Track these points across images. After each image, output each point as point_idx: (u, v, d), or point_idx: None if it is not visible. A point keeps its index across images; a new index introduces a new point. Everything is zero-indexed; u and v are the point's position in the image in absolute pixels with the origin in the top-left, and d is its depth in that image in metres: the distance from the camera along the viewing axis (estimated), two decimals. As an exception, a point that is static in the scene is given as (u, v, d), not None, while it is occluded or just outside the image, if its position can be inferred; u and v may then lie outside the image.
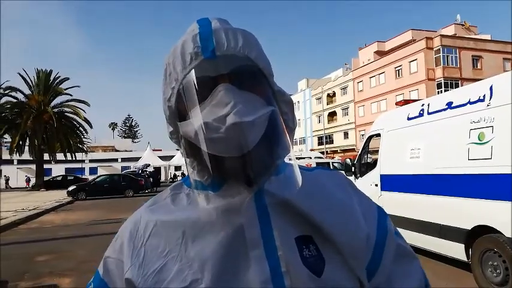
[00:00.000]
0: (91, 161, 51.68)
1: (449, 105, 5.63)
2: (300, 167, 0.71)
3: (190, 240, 0.67)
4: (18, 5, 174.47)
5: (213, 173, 0.65)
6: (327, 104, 57.60)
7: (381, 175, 7.21)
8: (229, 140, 0.60)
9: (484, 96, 4.98)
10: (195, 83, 0.65)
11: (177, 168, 44.54)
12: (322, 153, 45.01)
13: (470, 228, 5.05)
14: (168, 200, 0.75)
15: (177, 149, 0.75)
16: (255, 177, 0.64)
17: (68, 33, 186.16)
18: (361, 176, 8.04)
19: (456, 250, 5.33)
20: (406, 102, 7.46)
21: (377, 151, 7.57)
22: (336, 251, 0.70)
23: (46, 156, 36.97)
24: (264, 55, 0.71)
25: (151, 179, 29.78)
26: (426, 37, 40.86)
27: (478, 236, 4.99)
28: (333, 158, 39.17)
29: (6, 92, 34.81)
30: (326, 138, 56.42)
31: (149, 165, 36.20)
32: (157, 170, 36.89)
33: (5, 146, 39.17)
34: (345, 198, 0.77)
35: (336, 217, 0.71)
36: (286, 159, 0.71)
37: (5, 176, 46.45)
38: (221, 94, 0.62)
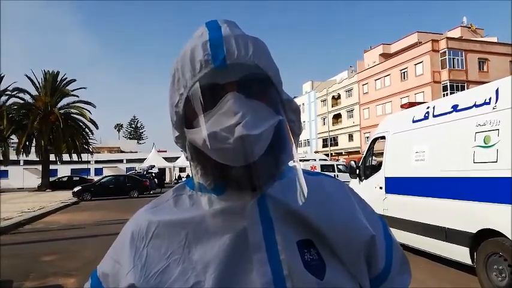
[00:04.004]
0: (96, 162, 51.90)
1: (455, 108, 5.62)
2: (303, 171, 0.71)
3: (194, 242, 0.67)
4: (24, 5, 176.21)
5: (217, 179, 0.66)
6: (332, 106, 57.51)
7: (385, 178, 7.20)
8: (236, 151, 0.61)
9: (490, 99, 4.96)
10: (204, 92, 0.65)
11: (182, 169, 44.60)
12: (327, 155, 44.95)
13: (475, 232, 5.02)
14: (170, 201, 0.75)
15: (181, 151, 0.75)
16: (260, 185, 0.65)
17: (74, 33, 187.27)
18: (366, 178, 8.01)
19: (461, 253, 5.31)
20: (412, 104, 7.44)
21: (382, 153, 7.55)
22: (336, 255, 0.70)
23: (52, 157, 37.24)
24: (273, 63, 0.71)
25: (156, 180, 29.96)
26: (432, 39, 40.67)
27: (483, 240, 4.96)
28: (337, 160, 39.00)
29: (13, 93, 35.21)
30: (331, 140, 56.36)
31: (154, 166, 36.42)
32: (162, 171, 37.01)
33: (12, 147, 39.35)
34: (346, 204, 0.77)
35: (334, 222, 0.72)
36: (290, 163, 0.71)
37: None
38: (230, 103, 0.61)
